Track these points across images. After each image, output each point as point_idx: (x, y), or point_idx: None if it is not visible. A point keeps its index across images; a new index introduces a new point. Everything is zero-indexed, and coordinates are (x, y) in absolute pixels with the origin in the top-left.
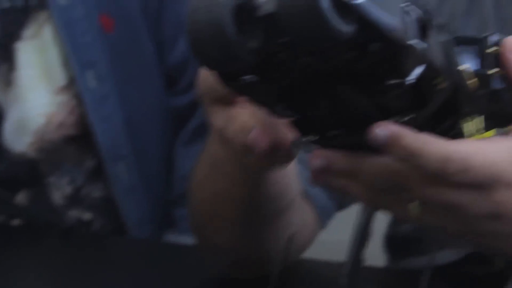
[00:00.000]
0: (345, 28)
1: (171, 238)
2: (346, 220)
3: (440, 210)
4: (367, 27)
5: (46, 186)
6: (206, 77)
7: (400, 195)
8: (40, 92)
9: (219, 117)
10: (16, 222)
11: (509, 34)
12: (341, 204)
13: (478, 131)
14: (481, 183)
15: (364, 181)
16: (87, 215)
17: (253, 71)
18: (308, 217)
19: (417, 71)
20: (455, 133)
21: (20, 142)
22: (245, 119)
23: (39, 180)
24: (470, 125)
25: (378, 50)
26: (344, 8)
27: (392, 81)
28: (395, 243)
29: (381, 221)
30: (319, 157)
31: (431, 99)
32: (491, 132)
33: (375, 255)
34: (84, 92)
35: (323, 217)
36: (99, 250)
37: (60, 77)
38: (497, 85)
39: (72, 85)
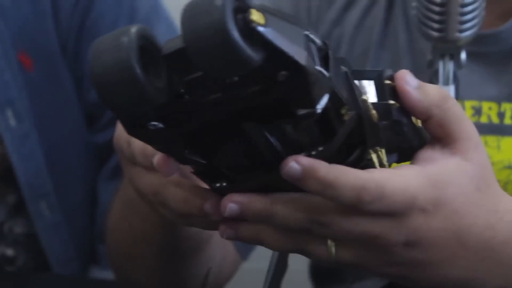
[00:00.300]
0: (256, 55)
1: (96, 274)
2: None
3: (357, 244)
4: (275, 55)
5: None
6: (123, 138)
7: (316, 233)
8: None
9: (145, 183)
10: None
11: (421, 66)
12: None
13: (382, 163)
14: (395, 209)
15: (279, 223)
16: (9, 251)
17: (159, 116)
18: (229, 250)
19: (324, 100)
20: (364, 165)
21: None
22: (183, 190)
23: None
24: (376, 157)
25: (287, 78)
26: (252, 36)
27: (303, 112)
28: (320, 271)
29: None
30: (231, 202)
31: (338, 130)
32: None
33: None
34: (3, 131)
35: (244, 250)
36: (23, 287)
37: None
38: (396, 117)
39: None
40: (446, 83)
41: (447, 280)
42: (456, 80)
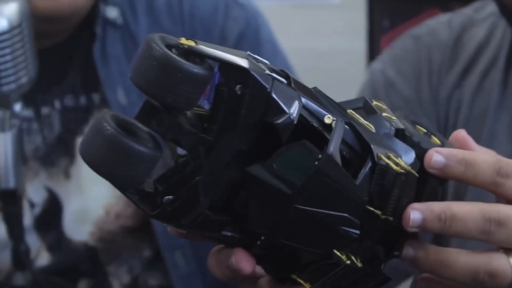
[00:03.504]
0: (201, 70)
1: None
2: None
3: None
4: (221, 69)
5: (106, 275)
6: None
7: (494, 238)
8: (100, 185)
9: None
10: None
11: None
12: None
13: (398, 164)
14: None
15: (459, 227)
16: None
17: (168, 189)
18: None
19: (295, 106)
20: (381, 172)
21: (81, 232)
22: None
23: (99, 269)
24: (390, 160)
25: (243, 90)
26: (190, 55)
27: (278, 119)
28: None
29: None
30: (412, 210)
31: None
32: None
33: None
34: None
35: None
36: None
37: None
38: None
39: None
40: None
41: None
42: None
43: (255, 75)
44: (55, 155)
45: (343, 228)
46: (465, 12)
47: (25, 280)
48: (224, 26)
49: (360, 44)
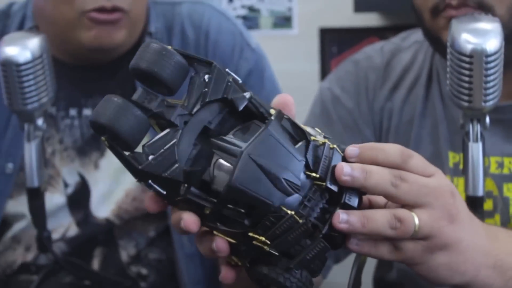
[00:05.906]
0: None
1: None
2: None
3: (427, 203)
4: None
5: (117, 246)
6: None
7: (400, 192)
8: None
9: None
10: (86, 282)
11: (454, 129)
12: (337, 258)
13: (326, 136)
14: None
15: (374, 181)
16: (144, 271)
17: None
18: None
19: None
20: (315, 144)
21: (104, 210)
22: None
23: (112, 242)
24: (319, 135)
25: (209, 76)
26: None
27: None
28: (382, 286)
29: (370, 269)
30: (344, 167)
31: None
32: None
33: None
34: None
35: (324, 272)
36: None
37: None
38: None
39: None
40: (475, 140)
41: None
42: (482, 138)
43: (218, 66)
44: (88, 148)
45: (287, 179)
46: (394, 41)
47: (47, 260)
48: (238, 64)
49: (314, 66)
